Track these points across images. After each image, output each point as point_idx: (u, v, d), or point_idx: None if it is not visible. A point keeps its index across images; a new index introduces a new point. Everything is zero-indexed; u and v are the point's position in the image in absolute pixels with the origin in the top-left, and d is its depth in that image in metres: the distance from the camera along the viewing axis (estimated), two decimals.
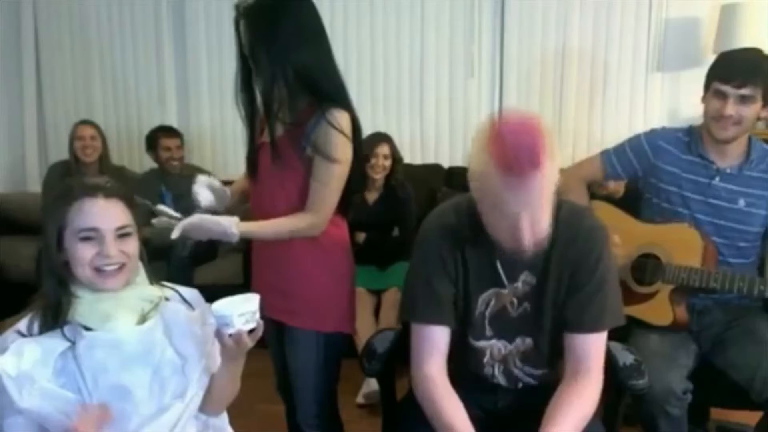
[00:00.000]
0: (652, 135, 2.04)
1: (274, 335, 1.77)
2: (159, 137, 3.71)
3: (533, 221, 1.25)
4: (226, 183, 1.84)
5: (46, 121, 4.43)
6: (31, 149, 4.43)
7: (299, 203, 1.61)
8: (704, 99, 1.93)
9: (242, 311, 1.23)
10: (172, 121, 4.21)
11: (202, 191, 1.70)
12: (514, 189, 1.20)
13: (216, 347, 1.30)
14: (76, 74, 4.35)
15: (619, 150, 2.06)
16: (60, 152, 4.12)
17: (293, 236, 1.61)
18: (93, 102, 4.34)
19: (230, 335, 1.24)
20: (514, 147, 1.18)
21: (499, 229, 1.30)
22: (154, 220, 1.59)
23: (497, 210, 1.26)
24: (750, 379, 1.80)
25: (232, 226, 1.55)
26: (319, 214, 1.60)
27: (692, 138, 1.98)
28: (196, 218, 1.56)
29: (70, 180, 1.37)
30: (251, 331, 1.26)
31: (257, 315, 1.26)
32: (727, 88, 1.84)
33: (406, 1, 3.85)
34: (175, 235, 1.52)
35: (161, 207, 1.59)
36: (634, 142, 2.05)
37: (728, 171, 1.92)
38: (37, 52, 4.35)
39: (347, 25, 3.90)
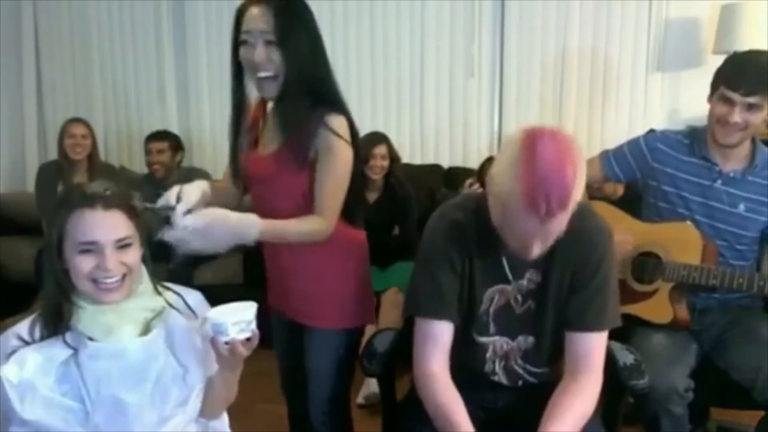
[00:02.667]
0: (651, 138, 2.04)
1: (285, 336, 1.78)
2: (147, 142, 3.68)
3: (545, 243, 1.29)
4: None
5: (46, 121, 4.43)
6: (31, 149, 4.43)
7: (305, 204, 1.59)
8: (710, 100, 1.91)
9: (237, 320, 1.22)
10: (173, 121, 4.22)
11: (193, 192, 1.51)
12: (535, 225, 1.22)
13: (212, 354, 1.29)
14: (76, 74, 4.36)
15: (618, 153, 2.06)
16: None
17: (299, 240, 1.59)
18: (93, 102, 4.34)
19: (226, 343, 1.23)
20: (545, 190, 1.17)
21: (509, 239, 1.32)
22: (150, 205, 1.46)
23: (513, 229, 1.28)
24: (752, 380, 1.80)
25: (254, 216, 1.50)
26: (324, 219, 1.58)
27: (695, 139, 1.97)
28: (208, 215, 1.43)
29: (70, 186, 1.36)
30: (247, 340, 1.25)
31: (253, 324, 1.25)
32: (734, 96, 1.81)
33: (406, 1, 3.85)
34: (176, 235, 1.40)
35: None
36: (633, 145, 2.05)
37: (731, 175, 1.91)
38: (37, 52, 4.36)
39: (347, 25, 3.89)
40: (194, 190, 1.50)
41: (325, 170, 1.56)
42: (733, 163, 1.93)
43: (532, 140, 1.20)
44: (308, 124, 1.54)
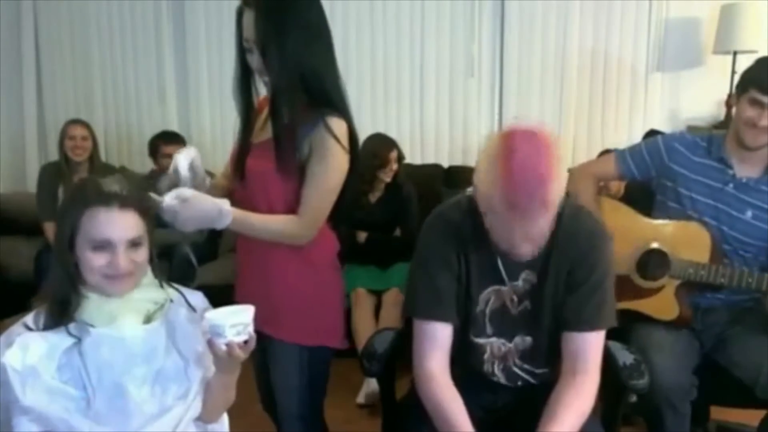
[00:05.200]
0: (669, 138, 2.04)
1: (257, 348, 1.72)
2: (159, 144, 3.66)
3: (533, 242, 1.29)
4: None
5: (46, 121, 4.43)
6: (31, 149, 4.43)
7: (282, 209, 1.54)
8: (737, 101, 1.89)
9: (235, 322, 1.22)
10: (173, 121, 4.22)
11: (183, 164, 1.55)
12: (517, 222, 1.23)
13: (210, 355, 1.30)
14: (76, 74, 4.36)
15: (635, 152, 2.06)
16: None
17: (279, 239, 1.54)
18: (93, 102, 4.34)
19: (223, 346, 1.23)
20: (523, 186, 1.19)
21: (498, 239, 1.33)
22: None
23: (499, 229, 1.29)
24: (754, 377, 1.80)
25: (226, 204, 1.47)
26: (307, 223, 1.53)
27: (712, 142, 1.96)
28: (189, 192, 1.45)
29: (87, 181, 1.36)
30: (245, 343, 1.25)
31: (250, 327, 1.25)
32: (765, 99, 1.79)
33: (406, 1, 3.86)
34: (167, 202, 1.41)
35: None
36: (651, 145, 2.04)
37: (744, 180, 1.90)
38: (37, 52, 4.35)
39: (347, 26, 3.90)
40: (184, 162, 1.55)
41: (315, 172, 1.50)
42: (749, 169, 1.91)
43: (508, 141, 1.23)
44: (295, 129, 1.49)
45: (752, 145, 1.87)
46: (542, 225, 1.26)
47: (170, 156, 3.60)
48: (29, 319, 1.27)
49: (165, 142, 3.66)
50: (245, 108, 1.60)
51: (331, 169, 1.51)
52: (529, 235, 1.27)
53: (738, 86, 1.90)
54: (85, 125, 3.64)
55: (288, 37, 1.45)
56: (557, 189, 1.22)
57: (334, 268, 1.68)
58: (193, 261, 3.33)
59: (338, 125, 1.50)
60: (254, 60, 1.51)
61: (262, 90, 1.60)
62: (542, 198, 1.20)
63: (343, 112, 1.52)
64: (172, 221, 1.45)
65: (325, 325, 1.65)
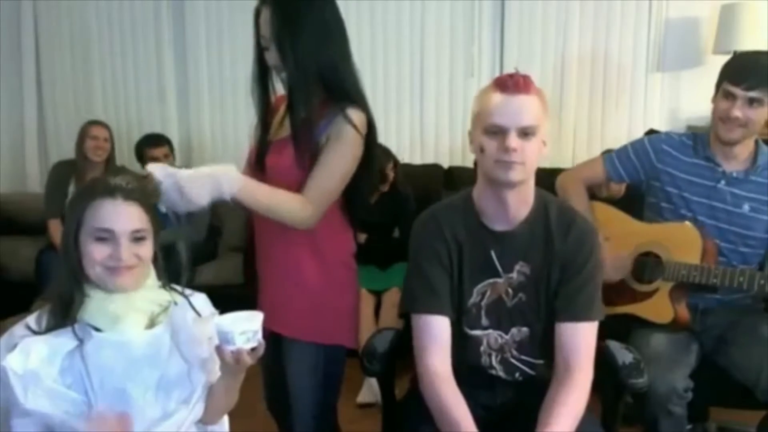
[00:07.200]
0: (656, 139, 2.05)
1: (270, 348, 1.72)
2: (144, 148, 3.66)
3: (522, 144, 1.34)
4: None
5: (46, 120, 4.43)
6: (31, 149, 4.42)
7: None
8: (714, 99, 1.93)
9: (244, 329, 1.23)
10: (173, 121, 4.22)
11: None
12: (506, 103, 1.35)
13: (216, 360, 1.30)
14: (76, 74, 4.35)
15: (622, 153, 2.06)
16: (60, 152, 4.12)
17: (282, 215, 1.51)
18: (93, 102, 4.34)
19: (231, 352, 1.24)
20: (510, 73, 1.39)
21: (490, 153, 1.37)
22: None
23: (490, 131, 1.37)
24: (754, 379, 1.80)
25: (233, 167, 1.45)
26: (310, 203, 1.51)
27: (698, 141, 1.98)
28: (177, 169, 1.40)
29: (95, 178, 1.37)
30: (253, 350, 1.25)
31: (259, 334, 1.25)
32: (736, 90, 1.84)
33: (406, 1, 3.85)
34: (165, 184, 1.36)
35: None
36: (638, 146, 2.05)
37: (735, 175, 1.92)
38: (37, 52, 4.35)
39: (347, 25, 3.85)
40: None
41: (327, 155, 1.52)
42: (736, 164, 1.93)
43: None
44: (312, 125, 1.52)
45: (726, 138, 1.89)
46: (527, 110, 1.34)
47: (156, 159, 3.60)
48: (31, 319, 1.27)
49: (150, 146, 3.65)
50: (263, 106, 1.63)
51: (343, 153, 1.53)
52: (514, 119, 1.33)
53: (716, 84, 1.93)
54: (106, 127, 3.66)
55: (302, 33, 1.49)
56: (540, 94, 1.38)
57: (349, 267, 1.70)
58: (183, 261, 3.29)
59: (357, 116, 1.53)
60: (271, 57, 1.54)
61: (279, 89, 1.63)
62: (526, 80, 1.36)
63: (362, 104, 1.56)
64: (178, 201, 1.38)
65: (340, 324, 1.67)
